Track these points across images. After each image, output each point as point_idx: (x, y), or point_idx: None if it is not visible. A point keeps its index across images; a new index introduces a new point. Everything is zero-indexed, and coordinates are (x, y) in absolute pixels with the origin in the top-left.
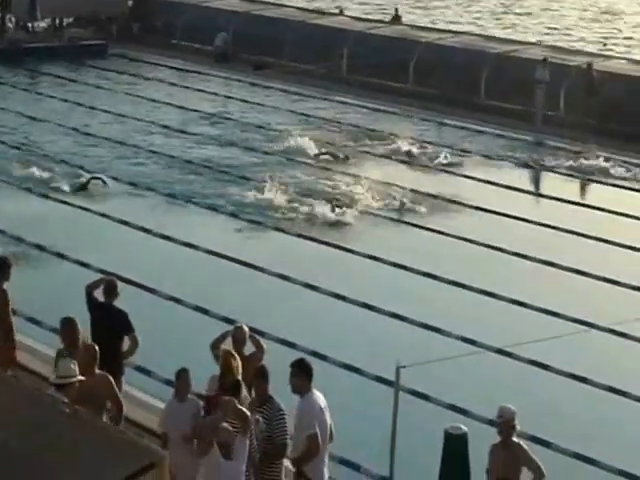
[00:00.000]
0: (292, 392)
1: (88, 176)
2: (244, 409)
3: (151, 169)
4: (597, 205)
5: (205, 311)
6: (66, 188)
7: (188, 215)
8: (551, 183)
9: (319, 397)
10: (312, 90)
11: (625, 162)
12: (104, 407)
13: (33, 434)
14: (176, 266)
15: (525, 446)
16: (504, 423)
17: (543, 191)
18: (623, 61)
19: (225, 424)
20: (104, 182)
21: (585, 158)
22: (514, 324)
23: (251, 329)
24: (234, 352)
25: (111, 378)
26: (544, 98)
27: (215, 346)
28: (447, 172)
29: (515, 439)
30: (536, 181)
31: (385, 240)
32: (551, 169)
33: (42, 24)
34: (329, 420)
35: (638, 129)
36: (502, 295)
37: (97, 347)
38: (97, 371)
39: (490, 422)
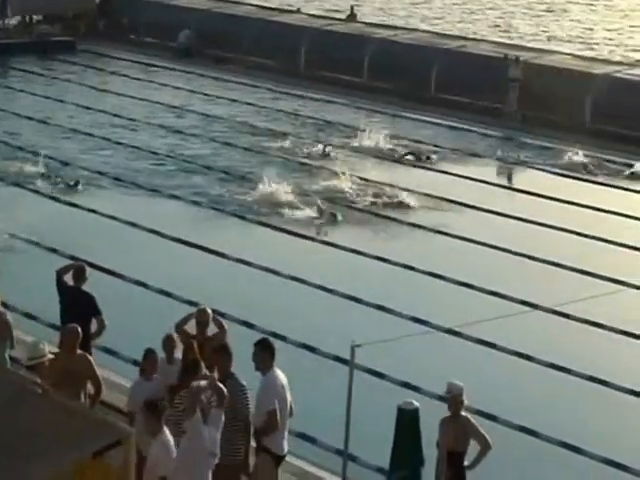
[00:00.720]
0: (255, 370)
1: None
2: (222, 386)
3: (118, 159)
4: (538, 192)
5: (169, 294)
6: (36, 178)
7: (153, 203)
8: (499, 171)
9: (280, 375)
10: (271, 83)
11: (553, 148)
12: (84, 386)
13: (3, 414)
14: (142, 252)
15: (473, 419)
16: (452, 398)
17: (491, 179)
18: (568, 56)
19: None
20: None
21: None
22: (463, 305)
23: (214, 311)
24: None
25: (91, 358)
26: (518, 95)
27: (179, 327)
28: (396, 162)
29: (463, 413)
30: (482, 170)
31: (338, 226)
32: (499, 159)
33: (12, 22)
34: (289, 397)
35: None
36: (452, 278)
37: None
38: (78, 351)
39: (440, 398)
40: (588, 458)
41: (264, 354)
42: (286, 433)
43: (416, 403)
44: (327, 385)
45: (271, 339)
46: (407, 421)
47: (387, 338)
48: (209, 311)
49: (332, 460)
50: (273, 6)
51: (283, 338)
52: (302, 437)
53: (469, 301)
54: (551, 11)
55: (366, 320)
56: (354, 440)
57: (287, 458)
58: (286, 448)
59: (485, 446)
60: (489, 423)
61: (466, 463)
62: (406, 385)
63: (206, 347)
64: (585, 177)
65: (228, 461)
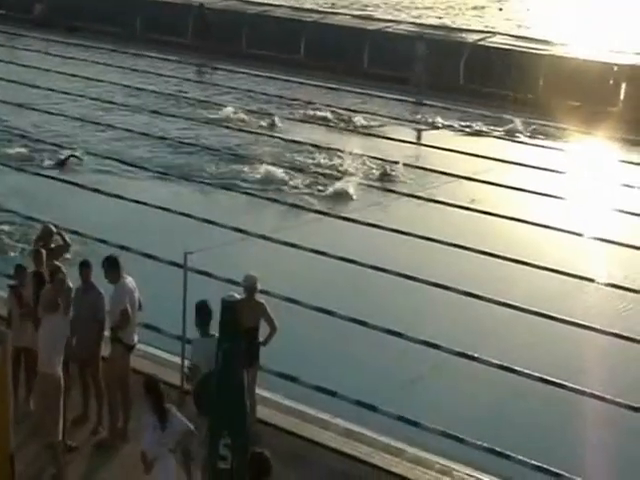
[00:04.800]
0: (108, 282)
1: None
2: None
3: None
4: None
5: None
6: None
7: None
8: None
9: (130, 281)
10: (113, 46)
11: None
12: None
13: None
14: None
15: (265, 303)
16: (248, 286)
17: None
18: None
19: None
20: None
21: None
22: (270, 217)
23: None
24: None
25: None
26: (424, 68)
27: (35, 243)
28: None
29: (257, 298)
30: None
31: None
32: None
33: None
34: (137, 297)
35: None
36: (258, 194)
37: None
38: None
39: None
40: (368, 328)
41: (112, 269)
42: (136, 327)
43: (238, 296)
44: (167, 286)
45: (116, 254)
46: (229, 309)
47: (213, 246)
48: (53, 228)
49: (173, 344)
50: None
51: (128, 249)
52: (149, 327)
53: (272, 213)
54: None
55: (196, 232)
56: (190, 327)
57: (137, 346)
58: (136, 339)
59: (272, 329)
60: (294, 306)
61: (261, 339)
62: (230, 282)
63: (49, 255)
64: None
65: (88, 355)
